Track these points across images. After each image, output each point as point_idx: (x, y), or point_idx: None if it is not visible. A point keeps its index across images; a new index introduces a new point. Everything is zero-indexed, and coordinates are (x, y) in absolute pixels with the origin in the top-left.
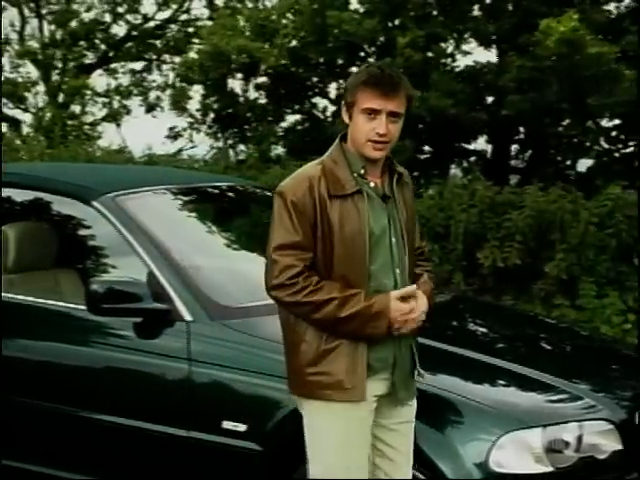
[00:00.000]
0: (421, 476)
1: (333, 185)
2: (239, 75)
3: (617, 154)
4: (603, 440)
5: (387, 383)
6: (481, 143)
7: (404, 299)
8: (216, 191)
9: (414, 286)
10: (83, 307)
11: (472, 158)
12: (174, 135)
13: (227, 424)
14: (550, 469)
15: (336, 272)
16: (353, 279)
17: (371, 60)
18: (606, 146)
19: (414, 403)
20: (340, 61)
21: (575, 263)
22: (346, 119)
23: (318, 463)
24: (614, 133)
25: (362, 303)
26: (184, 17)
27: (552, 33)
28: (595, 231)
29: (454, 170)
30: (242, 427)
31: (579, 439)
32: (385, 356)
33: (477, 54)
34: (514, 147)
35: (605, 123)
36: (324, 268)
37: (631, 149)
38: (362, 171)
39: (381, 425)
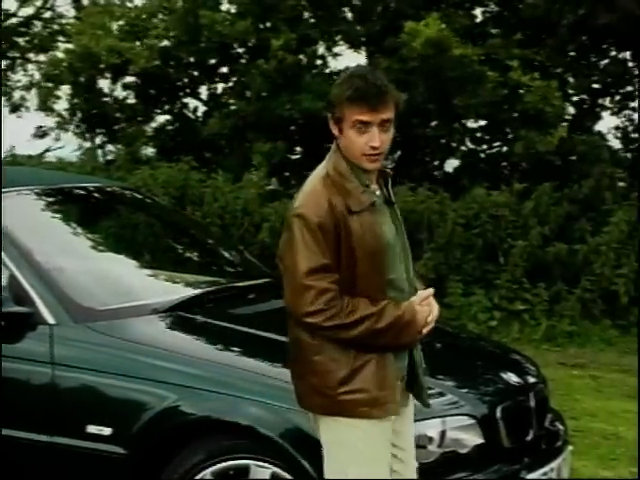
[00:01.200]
0: (286, 475)
1: (351, 201)
2: (108, 75)
3: (482, 155)
4: (465, 435)
5: (400, 390)
6: None
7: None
8: (82, 192)
9: (431, 289)
10: None
11: None
12: (41, 134)
13: (92, 428)
14: None
15: (359, 287)
16: (374, 292)
17: (243, 61)
18: (472, 147)
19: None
20: (212, 61)
21: (442, 262)
22: (335, 132)
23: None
24: (479, 134)
25: (394, 313)
26: (48, 14)
27: (418, 36)
28: (462, 231)
29: None
30: (107, 431)
31: (442, 434)
32: (405, 364)
33: (347, 56)
34: None
35: (471, 124)
36: (347, 284)
37: (496, 150)
38: (367, 182)
39: (393, 430)
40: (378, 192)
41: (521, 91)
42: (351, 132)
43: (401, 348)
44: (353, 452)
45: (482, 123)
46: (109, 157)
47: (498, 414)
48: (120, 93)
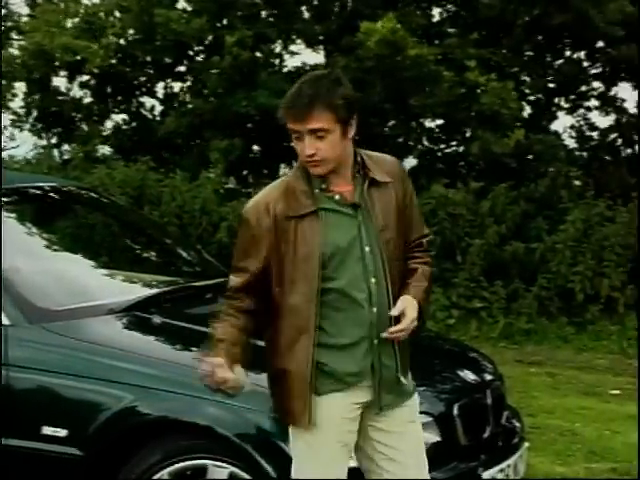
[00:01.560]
0: (245, 475)
1: (291, 205)
2: (63, 73)
3: (439, 154)
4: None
5: (371, 390)
6: None
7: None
8: (38, 192)
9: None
10: None
11: None
12: None
13: (47, 430)
14: None
15: (288, 292)
16: (304, 299)
17: (199, 59)
18: (429, 146)
19: (413, 403)
20: (168, 60)
21: None
22: None
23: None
24: (436, 133)
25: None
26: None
27: (372, 34)
28: None
29: (284, 170)
30: (62, 432)
31: None
32: (357, 370)
33: (305, 55)
34: None
35: (428, 123)
36: (279, 287)
37: (453, 148)
38: (323, 185)
39: (379, 429)
40: (338, 196)
41: (478, 91)
42: (293, 139)
43: None
44: (303, 451)
45: (439, 122)
46: (65, 156)
47: (455, 412)
48: (76, 92)
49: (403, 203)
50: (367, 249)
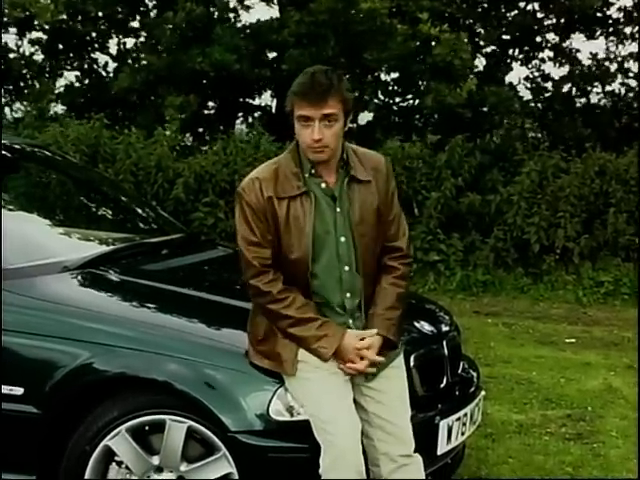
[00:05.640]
0: (203, 429)
1: (282, 186)
2: (13, 30)
3: (395, 107)
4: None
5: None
6: (266, 98)
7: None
8: None
9: (373, 332)
10: None
11: (257, 113)
12: None
13: (3, 388)
14: None
15: (283, 268)
16: (298, 276)
17: (152, 14)
18: (384, 100)
19: (397, 351)
20: (120, 15)
21: None
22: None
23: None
24: (391, 87)
25: (313, 331)
26: None
27: None
28: None
29: (239, 126)
30: (19, 390)
31: None
32: None
33: (259, 9)
34: None
35: (383, 76)
36: (276, 263)
37: (409, 102)
38: (312, 171)
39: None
40: (324, 185)
41: (433, 43)
42: (297, 125)
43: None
44: (304, 391)
45: (394, 76)
46: (17, 115)
47: (411, 363)
48: (27, 49)
49: (385, 201)
50: (342, 239)
